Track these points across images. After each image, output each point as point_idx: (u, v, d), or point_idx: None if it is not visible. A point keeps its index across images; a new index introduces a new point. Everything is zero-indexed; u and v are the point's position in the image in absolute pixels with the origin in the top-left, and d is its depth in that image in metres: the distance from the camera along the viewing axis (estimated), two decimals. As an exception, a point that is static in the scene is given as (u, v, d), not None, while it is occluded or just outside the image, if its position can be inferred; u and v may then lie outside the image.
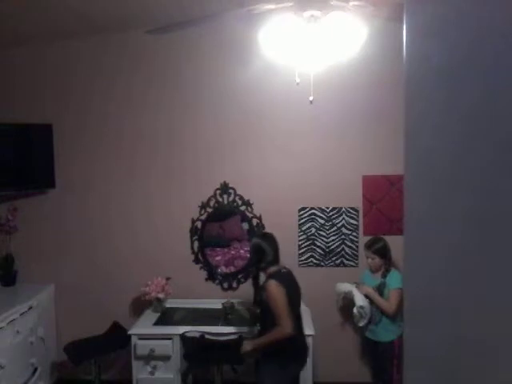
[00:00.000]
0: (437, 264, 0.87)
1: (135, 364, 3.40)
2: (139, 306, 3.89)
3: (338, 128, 3.85)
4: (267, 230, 3.93)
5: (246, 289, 3.89)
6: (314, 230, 3.92)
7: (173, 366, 3.39)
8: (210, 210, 3.96)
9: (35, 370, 3.52)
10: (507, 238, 0.66)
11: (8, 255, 3.87)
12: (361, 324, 3.38)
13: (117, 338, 3.61)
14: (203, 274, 3.99)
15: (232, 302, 3.68)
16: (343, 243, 3.92)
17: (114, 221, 3.98)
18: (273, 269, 2.98)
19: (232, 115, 3.87)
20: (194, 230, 3.98)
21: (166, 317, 3.64)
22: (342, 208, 3.90)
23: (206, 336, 3.33)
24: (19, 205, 3.91)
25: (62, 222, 3.99)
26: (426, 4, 0.89)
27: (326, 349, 3.80)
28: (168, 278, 3.75)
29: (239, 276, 3.98)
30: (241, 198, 3.94)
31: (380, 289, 3.33)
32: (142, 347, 3.36)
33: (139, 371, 3.39)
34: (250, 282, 3.92)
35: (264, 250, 3.01)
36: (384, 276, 3.36)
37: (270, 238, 3.09)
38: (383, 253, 3.38)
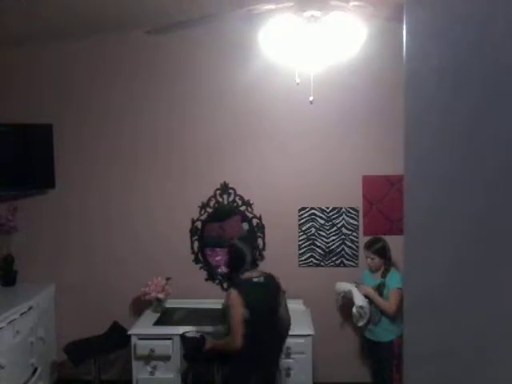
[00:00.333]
0: (437, 264, 0.87)
1: (135, 364, 3.40)
2: (139, 306, 3.89)
3: (338, 128, 3.86)
4: (267, 230, 3.94)
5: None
6: (314, 230, 3.92)
7: (173, 366, 3.39)
8: (209, 210, 3.97)
9: (35, 370, 3.52)
10: (507, 237, 0.66)
11: (8, 255, 3.87)
12: (360, 324, 3.38)
13: (117, 338, 3.61)
14: (203, 273, 3.99)
15: (232, 302, 3.67)
16: (343, 243, 3.92)
17: (113, 221, 3.98)
18: (245, 275, 2.83)
19: (232, 115, 3.87)
20: (194, 230, 3.98)
21: (166, 317, 3.65)
22: (342, 208, 3.90)
23: (206, 336, 3.33)
24: (19, 205, 3.91)
25: (62, 222, 3.99)
26: (426, 4, 0.89)
27: (326, 349, 3.80)
28: (168, 278, 3.76)
29: (239, 276, 3.98)
30: (241, 198, 3.94)
31: (380, 289, 3.33)
32: (141, 347, 3.36)
33: (139, 371, 3.40)
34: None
35: (245, 254, 2.88)
36: (384, 276, 3.36)
37: (249, 243, 3.01)
38: (383, 253, 3.38)
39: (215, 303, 3.76)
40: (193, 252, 3.99)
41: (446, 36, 0.81)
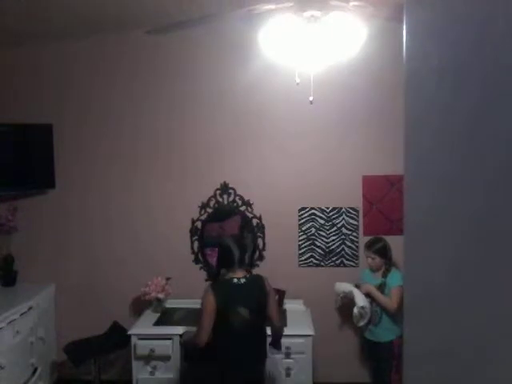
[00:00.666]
0: (437, 264, 0.87)
1: (135, 364, 3.40)
2: (139, 306, 3.89)
3: (338, 128, 3.86)
4: (267, 230, 3.94)
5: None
6: (314, 230, 3.92)
7: (173, 366, 3.39)
8: (209, 210, 3.96)
9: (35, 370, 3.52)
10: (507, 237, 0.66)
11: (8, 255, 3.87)
12: (360, 324, 3.38)
13: (117, 338, 3.61)
14: (203, 274, 3.99)
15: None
16: (343, 243, 3.92)
17: (113, 221, 3.98)
18: (228, 275, 2.75)
19: (232, 115, 3.87)
20: (194, 230, 3.98)
21: (166, 317, 3.65)
22: (342, 208, 3.90)
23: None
24: (19, 205, 3.91)
25: (62, 222, 3.99)
26: (426, 4, 0.89)
27: (326, 349, 3.80)
28: (168, 278, 3.76)
29: (239, 276, 3.98)
30: (241, 198, 3.94)
31: (381, 288, 3.33)
32: (141, 347, 3.36)
33: (139, 371, 3.40)
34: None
35: (233, 253, 2.76)
36: (384, 276, 3.36)
37: (241, 242, 2.92)
38: (383, 253, 3.38)
39: (215, 303, 3.76)
40: (193, 252, 3.99)
41: (446, 36, 0.81)
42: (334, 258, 3.94)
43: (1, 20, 3.30)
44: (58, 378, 4.00)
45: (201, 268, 3.99)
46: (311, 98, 2.54)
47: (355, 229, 3.92)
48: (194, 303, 3.81)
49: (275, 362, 3.34)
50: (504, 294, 0.67)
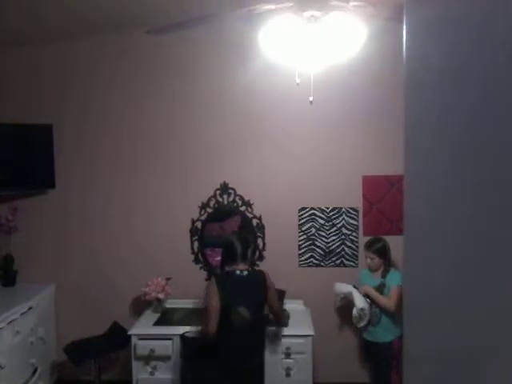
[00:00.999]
0: (437, 264, 0.87)
1: (135, 364, 3.40)
2: (139, 306, 3.89)
3: (338, 128, 3.86)
4: (267, 230, 3.94)
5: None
6: (314, 230, 3.92)
7: (173, 366, 3.39)
8: (209, 210, 3.96)
9: (35, 370, 3.52)
10: (507, 237, 0.66)
11: (8, 255, 3.87)
12: (360, 325, 3.38)
13: (117, 338, 3.61)
14: (203, 274, 3.98)
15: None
16: (343, 243, 3.92)
17: (113, 221, 3.98)
18: (231, 268, 2.90)
19: (232, 115, 3.87)
20: (194, 231, 3.98)
21: (166, 317, 3.65)
22: (341, 208, 3.90)
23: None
24: (19, 205, 3.91)
25: (62, 222, 3.99)
26: (426, 4, 0.89)
27: (326, 349, 3.80)
28: (168, 279, 3.76)
29: (239, 276, 3.98)
30: (241, 198, 3.94)
31: (380, 289, 3.33)
32: (141, 347, 3.36)
33: (139, 371, 3.40)
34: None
35: (235, 248, 2.92)
36: (383, 276, 3.36)
37: (244, 237, 3.09)
38: (383, 253, 3.38)
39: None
40: (193, 252, 3.99)
41: (446, 36, 0.81)
42: (333, 258, 3.94)
43: (1, 20, 3.30)
44: (58, 378, 4.00)
45: (201, 268, 3.99)
46: (311, 98, 2.54)
47: (355, 229, 3.92)
48: (194, 303, 3.83)
49: (275, 362, 3.34)
50: (504, 294, 0.67)
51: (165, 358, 3.38)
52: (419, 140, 0.90)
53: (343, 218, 3.91)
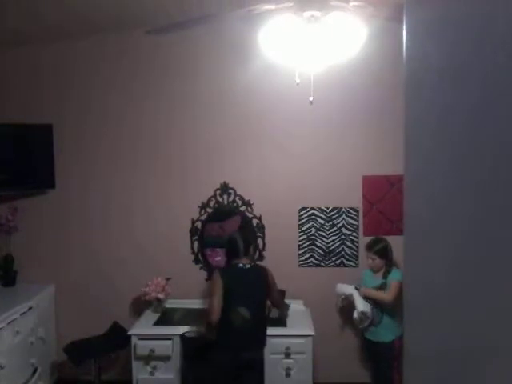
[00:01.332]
0: (437, 264, 0.87)
1: (135, 364, 3.40)
2: (139, 306, 3.89)
3: (338, 128, 3.86)
4: (267, 230, 3.94)
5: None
6: (314, 230, 3.92)
7: (173, 366, 3.39)
8: (209, 210, 3.96)
9: (35, 370, 3.52)
10: (507, 237, 0.66)
11: (8, 255, 3.87)
12: (362, 326, 3.38)
13: (117, 338, 3.61)
14: (203, 274, 3.98)
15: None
16: (343, 243, 3.92)
17: (113, 221, 3.98)
18: (234, 262, 3.06)
19: (232, 115, 3.87)
20: (194, 231, 3.98)
21: (166, 317, 3.65)
22: (342, 208, 3.90)
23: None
24: (19, 205, 3.91)
25: (62, 222, 3.99)
26: (426, 4, 0.89)
27: (326, 349, 3.80)
28: (168, 279, 3.75)
29: (239, 276, 3.97)
30: (241, 198, 3.94)
31: (381, 289, 3.33)
32: (141, 347, 3.36)
33: (139, 371, 3.40)
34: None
35: (238, 245, 3.08)
36: (385, 277, 3.35)
37: (246, 234, 3.25)
38: (384, 253, 3.38)
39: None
40: (193, 252, 3.99)
41: (446, 36, 0.81)
42: (334, 258, 3.94)
43: (1, 20, 3.30)
44: (58, 378, 3.99)
45: (201, 268, 3.99)
46: (311, 98, 2.54)
47: (355, 229, 3.91)
48: (194, 303, 3.83)
49: (275, 362, 3.34)
50: (504, 294, 0.67)
51: (165, 358, 3.38)
52: (419, 140, 0.90)
53: (343, 218, 3.91)
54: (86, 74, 3.92)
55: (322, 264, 3.94)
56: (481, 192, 0.73)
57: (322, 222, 3.92)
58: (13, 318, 3.25)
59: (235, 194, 3.94)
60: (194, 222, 3.97)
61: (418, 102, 0.90)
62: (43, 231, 3.98)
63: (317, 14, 2.23)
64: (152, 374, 3.38)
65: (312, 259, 3.94)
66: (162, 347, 3.36)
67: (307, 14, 2.23)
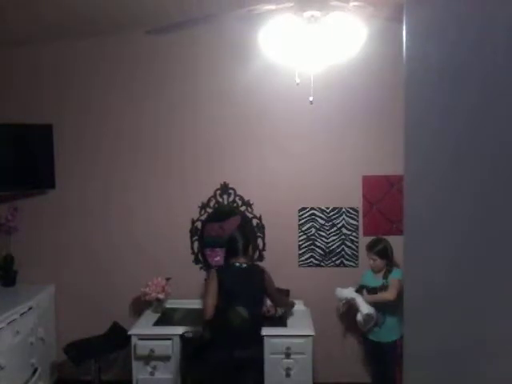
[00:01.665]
0: (437, 264, 0.87)
1: (135, 364, 3.40)
2: (139, 306, 3.89)
3: (338, 128, 3.86)
4: (267, 230, 3.94)
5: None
6: (314, 230, 3.92)
7: (173, 366, 3.39)
8: (209, 210, 3.96)
9: (35, 370, 3.52)
10: (507, 237, 0.66)
11: (8, 255, 3.87)
12: (366, 328, 3.37)
13: (117, 338, 3.61)
14: (203, 274, 3.98)
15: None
16: (343, 243, 3.92)
17: (113, 221, 3.98)
18: (232, 261, 3.11)
19: (232, 115, 3.87)
20: (193, 231, 3.98)
21: (166, 317, 3.65)
22: (342, 208, 3.90)
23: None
24: (19, 205, 3.91)
25: (62, 222, 3.99)
26: (426, 4, 0.89)
27: (326, 349, 3.80)
28: (168, 279, 3.75)
29: (239, 276, 3.97)
30: (241, 198, 3.94)
31: (382, 290, 3.32)
32: (141, 347, 3.36)
33: (139, 371, 3.39)
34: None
35: (237, 243, 3.13)
36: (386, 277, 3.35)
37: (245, 233, 3.30)
38: (384, 254, 3.38)
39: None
40: (193, 252, 3.99)
41: (446, 36, 0.81)
42: (334, 259, 3.93)
43: (1, 20, 3.30)
44: (58, 378, 3.99)
45: (201, 268, 3.99)
46: (311, 98, 2.54)
47: (355, 229, 3.91)
48: (194, 303, 3.82)
49: (275, 362, 3.34)
50: (504, 294, 0.67)
51: (165, 358, 3.38)
52: (419, 140, 0.90)
53: (343, 218, 3.91)
54: (85, 74, 3.92)
55: (322, 264, 3.94)
56: (481, 192, 0.73)
57: (322, 222, 3.92)
58: (13, 318, 3.25)
59: (235, 194, 3.94)
60: (193, 222, 3.97)
61: (418, 102, 0.90)
62: (43, 231, 3.98)
63: (317, 14, 2.23)
64: (152, 374, 3.38)
65: (312, 259, 3.94)
66: (161, 347, 3.36)
67: (307, 14, 2.23)
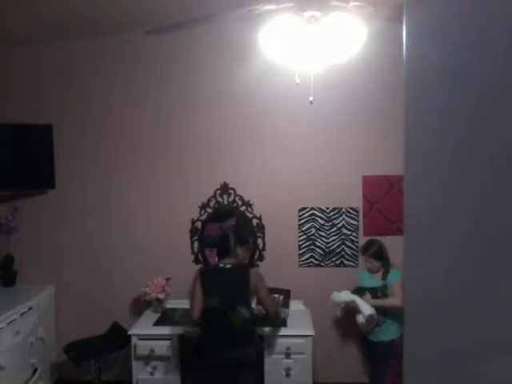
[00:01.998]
0: (437, 264, 0.87)
1: (135, 364, 3.40)
2: (139, 306, 3.89)
3: (338, 128, 3.86)
4: (267, 230, 3.94)
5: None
6: (314, 230, 3.92)
7: (173, 366, 3.39)
8: (209, 210, 3.96)
9: (35, 370, 3.52)
10: (507, 237, 0.66)
11: (8, 255, 3.87)
12: (368, 329, 3.35)
13: (117, 338, 3.61)
14: (203, 274, 3.98)
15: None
16: (343, 243, 3.92)
17: (113, 221, 3.98)
18: (219, 262, 3.12)
19: (232, 115, 3.87)
20: (193, 231, 3.98)
21: (166, 317, 3.65)
22: (342, 208, 3.90)
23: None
24: (19, 205, 3.91)
25: (62, 222, 3.99)
26: (426, 4, 0.89)
27: (326, 349, 3.80)
28: (168, 279, 3.76)
29: (239, 276, 3.97)
30: (241, 198, 3.94)
31: (382, 291, 3.32)
32: (141, 347, 3.36)
33: (139, 371, 3.40)
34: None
35: (229, 243, 3.11)
36: (384, 278, 3.34)
37: (238, 234, 3.26)
38: (379, 255, 3.36)
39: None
40: (193, 252, 3.99)
41: (446, 36, 0.81)
42: (334, 259, 3.93)
43: (1, 20, 3.30)
44: (58, 378, 3.99)
45: (201, 268, 3.98)
46: (311, 98, 2.54)
47: (355, 229, 3.91)
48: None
49: (275, 362, 3.34)
50: (504, 294, 0.67)
51: (165, 358, 3.38)
52: (419, 140, 0.90)
53: (343, 218, 3.91)
54: (85, 74, 3.92)
55: (322, 264, 3.94)
56: (481, 192, 0.73)
57: (322, 222, 3.92)
58: (13, 318, 3.25)
59: (235, 194, 3.94)
60: (193, 222, 3.97)
61: (418, 102, 0.90)
62: (43, 231, 3.98)
63: (317, 14, 2.23)
64: (152, 374, 3.38)
65: (312, 259, 3.94)
66: (161, 347, 3.36)
67: (307, 14, 2.23)
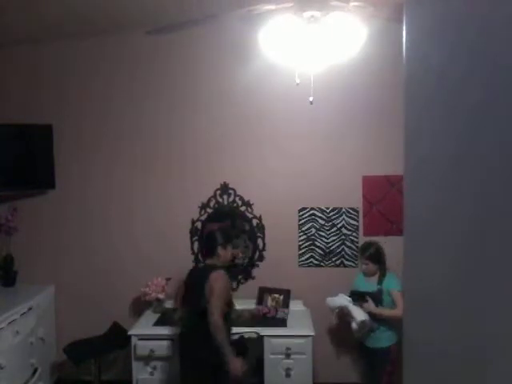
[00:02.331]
0: (437, 264, 0.87)
1: (135, 364, 3.40)
2: (139, 306, 3.89)
3: (338, 128, 3.85)
4: (267, 230, 3.94)
5: (246, 289, 3.90)
6: (314, 230, 3.92)
7: (173, 366, 3.38)
8: (209, 210, 3.96)
9: (35, 370, 3.52)
10: (507, 238, 0.66)
11: (8, 255, 3.87)
12: (361, 334, 3.31)
13: (117, 338, 3.61)
14: (203, 274, 3.98)
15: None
16: (343, 244, 3.92)
17: (113, 221, 3.98)
18: (208, 261, 3.14)
19: (232, 116, 3.87)
20: (194, 231, 3.98)
21: (166, 317, 3.64)
22: (342, 208, 3.90)
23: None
24: (19, 205, 3.91)
25: (62, 222, 3.99)
26: (426, 4, 0.89)
27: (326, 349, 3.80)
28: (168, 279, 3.75)
29: (239, 277, 3.97)
30: (241, 198, 3.94)
31: (378, 295, 3.26)
32: (141, 348, 3.36)
33: (139, 372, 3.39)
34: (249, 282, 3.94)
35: (216, 242, 3.08)
36: (380, 282, 3.28)
37: (227, 233, 3.24)
38: (376, 258, 3.29)
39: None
40: (193, 252, 3.99)
41: (446, 36, 0.81)
42: (334, 259, 3.93)
43: (1, 20, 3.30)
44: (58, 378, 3.99)
45: (201, 268, 3.98)
46: (311, 99, 2.54)
47: (355, 229, 3.91)
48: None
49: (275, 362, 3.34)
50: (504, 294, 0.67)
51: (165, 358, 3.38)
52: (419, 140, 0.90)
53: (343, 219, 3.91)
54: (86, 74, 3.92)
55: (322, 264, 3.94)
56: (481, 192, 0.73)
57: (322, 222, 3.92)
58: (13, 318, 3.25)
59: (235, 194, 3.94)
60: (193, 222, 3.97)
61: (418, 102, 0.90)
62: (43, 231, 3.98)
63: (317, 14, 2.23)
64: (152, 374, 3.38)
65: (312, 259, 3.94)
66: (161, 347, 3.36)
67: (307, 14, 2.23)
